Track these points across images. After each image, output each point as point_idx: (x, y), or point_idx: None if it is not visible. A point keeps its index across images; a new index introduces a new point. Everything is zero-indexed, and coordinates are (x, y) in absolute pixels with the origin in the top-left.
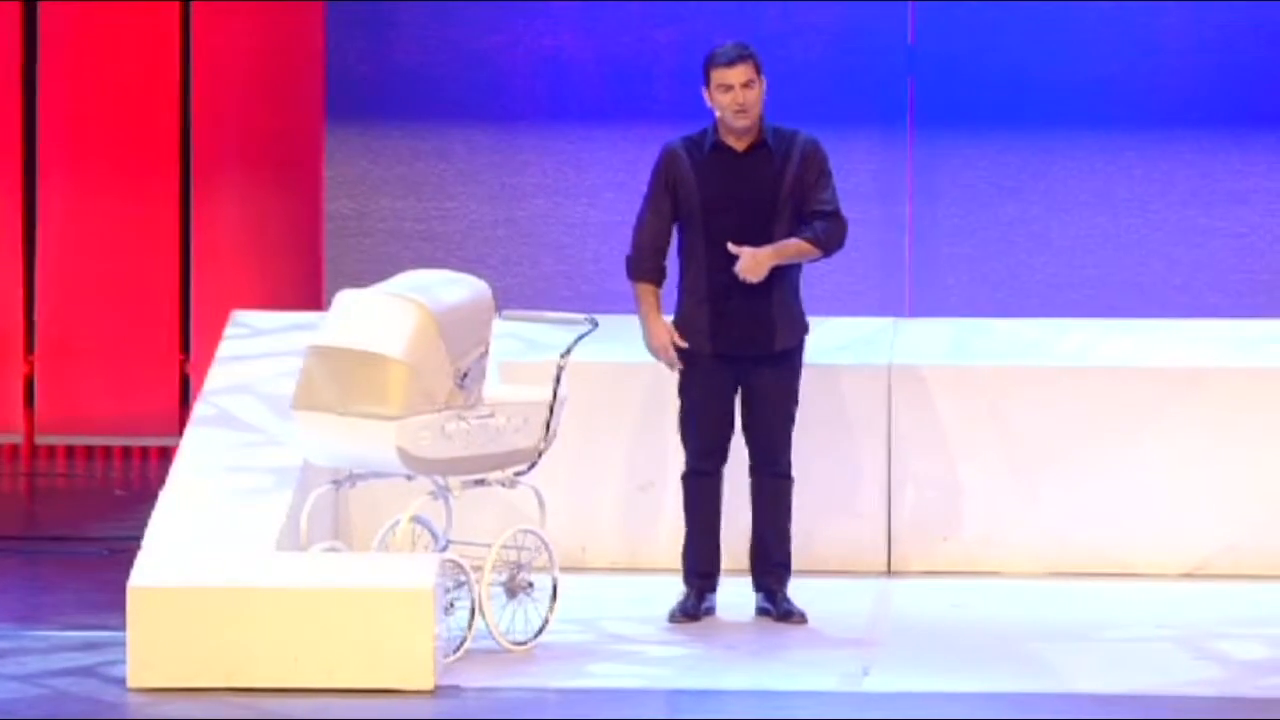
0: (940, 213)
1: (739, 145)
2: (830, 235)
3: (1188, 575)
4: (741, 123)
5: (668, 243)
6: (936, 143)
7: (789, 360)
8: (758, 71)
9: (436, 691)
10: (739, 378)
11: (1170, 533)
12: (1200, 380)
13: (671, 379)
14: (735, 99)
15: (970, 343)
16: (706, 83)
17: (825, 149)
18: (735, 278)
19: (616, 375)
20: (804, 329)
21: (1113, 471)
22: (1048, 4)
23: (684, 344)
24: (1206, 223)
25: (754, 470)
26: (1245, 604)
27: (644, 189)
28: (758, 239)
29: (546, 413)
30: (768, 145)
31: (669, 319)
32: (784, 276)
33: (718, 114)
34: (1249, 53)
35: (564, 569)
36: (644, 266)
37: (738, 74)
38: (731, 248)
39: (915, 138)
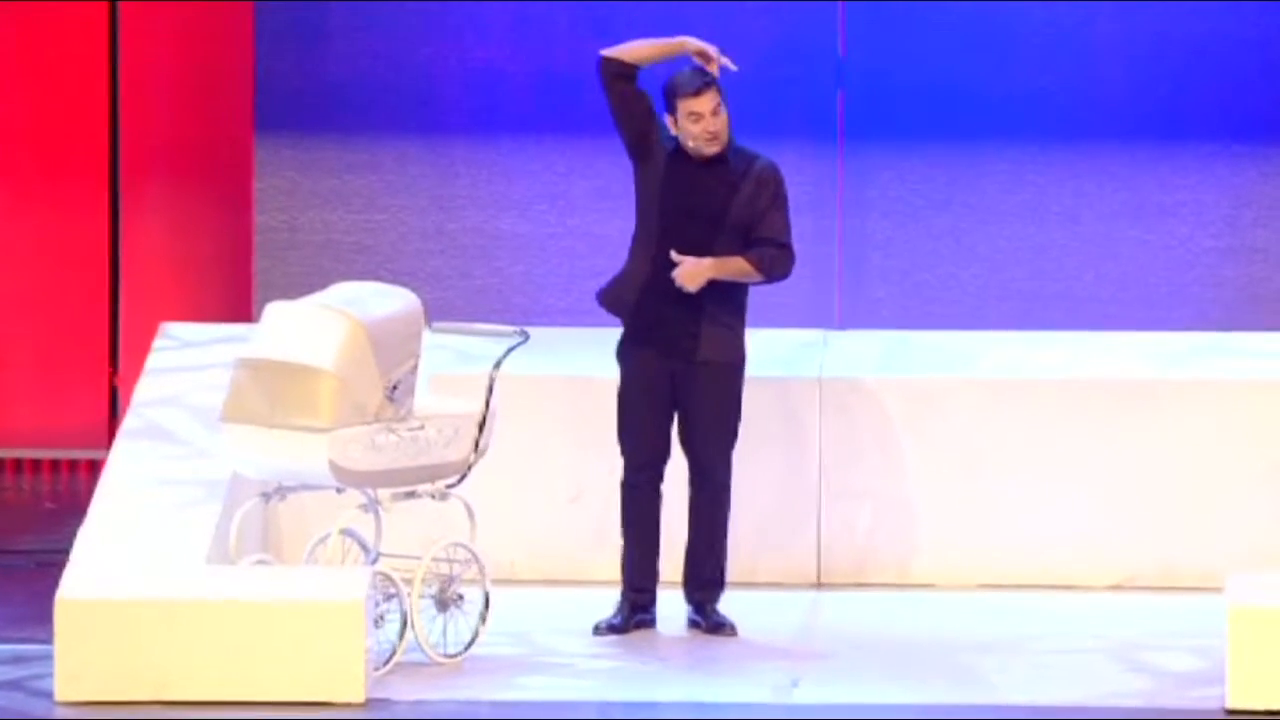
0: (870, 225)
1: (700, 156)
2: (775, 262)
3: (1117, 587)
4: (713, 149)
5: (641, 97)
6: (866, 155)
7: (725, 376)
8: (722, 96)
9: (367, 704)
10: (676, 392)
11: (1100, 545)
12: (1129, 393)
13: (602, 391)
14: (707, 127)
15: (900, 355)
16: (672, 110)
17: (783, 176)
18: (671, 281)
19: (546, 388)
20: (736, 349)
21: (1042, 483)
22: (978, 18)
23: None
24: (1136, 235)
25: (691, 483)
26: (1175, 616)
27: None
28: (697, 249)
29: (477, 425)
30: (728, 161)
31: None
32: (720, 292)
33: (684, 140)
34: (1179, 66)
35: (494, 582)
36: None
37: (706, 102)
38: (675, 255)
39: (845, 150)
